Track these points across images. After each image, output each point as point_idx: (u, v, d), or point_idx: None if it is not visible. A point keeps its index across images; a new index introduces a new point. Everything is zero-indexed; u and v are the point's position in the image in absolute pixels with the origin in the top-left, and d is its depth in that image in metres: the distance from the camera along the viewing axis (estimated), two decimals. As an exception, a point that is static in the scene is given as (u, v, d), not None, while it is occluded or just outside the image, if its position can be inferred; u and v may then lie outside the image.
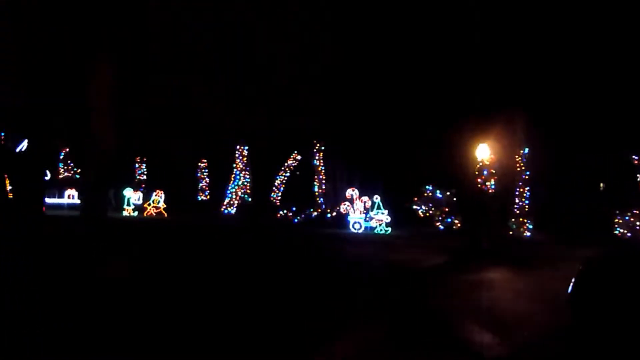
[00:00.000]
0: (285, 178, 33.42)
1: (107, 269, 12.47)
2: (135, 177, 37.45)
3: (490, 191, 20.19)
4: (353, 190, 27.17)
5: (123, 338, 7.62)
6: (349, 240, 22.40)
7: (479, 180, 20.18)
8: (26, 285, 10.63)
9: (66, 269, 12.71)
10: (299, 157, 33.01)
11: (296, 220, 31.21)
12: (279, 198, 33.28)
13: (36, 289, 10.33)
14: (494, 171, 20.60)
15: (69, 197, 28.67)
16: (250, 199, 35.11)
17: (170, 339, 7.61)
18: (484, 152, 20.24)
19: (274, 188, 33.24)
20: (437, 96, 25.94)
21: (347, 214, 27.10)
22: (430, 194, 28.31)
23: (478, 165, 20.26)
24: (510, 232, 25.42)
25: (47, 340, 7.31)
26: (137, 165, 37.65)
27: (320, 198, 32.17)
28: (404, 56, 28.87)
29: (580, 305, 7.62)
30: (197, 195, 35.09)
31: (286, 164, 33.17)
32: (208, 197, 34.97)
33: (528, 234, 25.29)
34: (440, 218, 27.83)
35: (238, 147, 33.07)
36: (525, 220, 25.45)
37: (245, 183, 34.79)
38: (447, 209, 27.73)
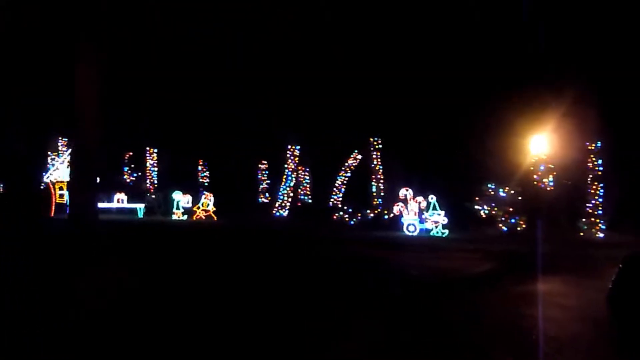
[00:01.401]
0: (346, 178, 32.09)
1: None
2: (198, 180, 37.20)
3: (548, 189, 17.98)
4: (407, 190, 25.45)
5: None
6: (397, 244, 20.79)
7: (535, 176, 18.04)
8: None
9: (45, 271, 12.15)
10: (359, 157, 31.59)
11: (352, 223, 29.81)
12: (340, 199, 32.03)
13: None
14: (552, 166, 18.37)
15: (118, 201, 28.26)
16: (310, 201, 34.09)
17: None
18: (539, 145, 18.04)
19: (334, 189, 31.96)
20: (493, 84, 23.83)
21: (401, 216, 25.43)
22: (492, 192, 26.19)
23: (534, 160, 18.12)
24: (581, 234, 23.00)
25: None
26: (200, 168, 37.47)
27: (378, 199, 30.70)
28: (454, 45, 26.99)
29: (619, 303, 7.59)
30: (257, 197, 34.06)
31: (346, 164, 31.80)
32: (269, 199, 33.97)
33: (601, 235, 22.79)
34: (503, 219, 25.65)
35: (289, 146, 31.85)
36: (598, 221, 22.94)
37: (306, 184, 33.70)
38: (511, 209, 25.51)
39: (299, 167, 33.80)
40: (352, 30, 31.26)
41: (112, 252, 15.81)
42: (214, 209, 28.64)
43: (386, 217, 28.80)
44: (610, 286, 7.69)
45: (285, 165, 31.99)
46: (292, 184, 31.70)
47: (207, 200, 28.61)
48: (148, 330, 8.19)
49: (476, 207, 26.74)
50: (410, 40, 29.42)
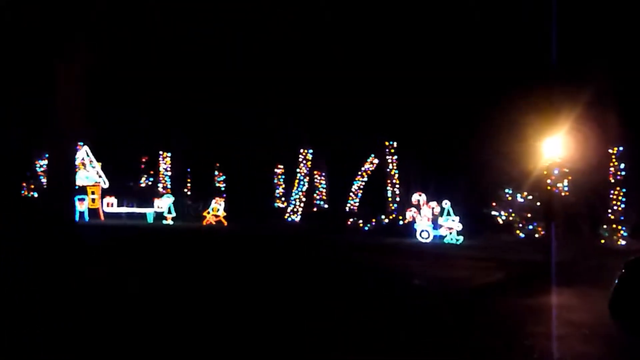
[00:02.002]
0: (363, 183, 31.39)
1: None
2: (214, 185, 36.78)
3: (563, 194, 17.08)
4: (420, 195, 24.72)
5: None
6: (406, 251, 20.09)
7: (548, 181, 17.13)
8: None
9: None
10: (376, 161, 30.87)
11: (366, 228, 29.14)
12: (357, 204, 31.35)
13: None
14: (566, 170, 17.46)
15: (127, 206, 27.89)
16: (326, 206, 33.45)
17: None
18: (553, 147, 17.12)
19: (351, 194, 31.28)
20: (509, 85, 22.96)
21: (414, 222, 24.67)
22: (509, 197, 25.30)
23: (547, 164, 17.21)
24: (602, 241, 22.00)
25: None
26: (216, 173, 37.07)
27: (393, 204, 29.98)
28: (469, 45, 26.27)
29: (620, 308, 7.35)
30: (273, 202, 33.38)
31: (363, 168, 31.09)
32: (285, 203, 33.30)
33: (623, 242, 21.76)
34: (520, 225, 24.74)
35: (302, 150, 31.19)
36: (620, 228, 21.91)
37: (322, 189, 33.11)
38: (529, 215, 24.60)
39: (315, 172, 33.30)
40: (368, 30, 30.78)
41: (92, 256, 15.35)
42: (225, 214, 28.12)
43: (401, 222, 28.07)
44: (611, 291, 7.42)
45: (298, 170, 31.31)
46: (304, 188, 31.01)
47: (217, 205, 28.12)
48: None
49: (493, 212, 25.88)
50: (426, 41, 28.75)
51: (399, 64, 29.58)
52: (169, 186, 34.83)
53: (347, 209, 31.11)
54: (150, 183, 35.35)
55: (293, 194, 31.15)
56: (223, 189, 37.33)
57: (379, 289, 12.28)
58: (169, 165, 34.84)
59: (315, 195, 32.63)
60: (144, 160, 36.41)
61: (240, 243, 22.00)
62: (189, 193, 33.78)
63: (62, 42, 15.39)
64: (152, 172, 35.41)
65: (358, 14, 30.71)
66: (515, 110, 22.04)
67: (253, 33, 32.65)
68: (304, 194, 31.12)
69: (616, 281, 7.36)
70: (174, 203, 28.51)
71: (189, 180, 35.83)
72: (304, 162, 31.20)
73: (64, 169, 16.01)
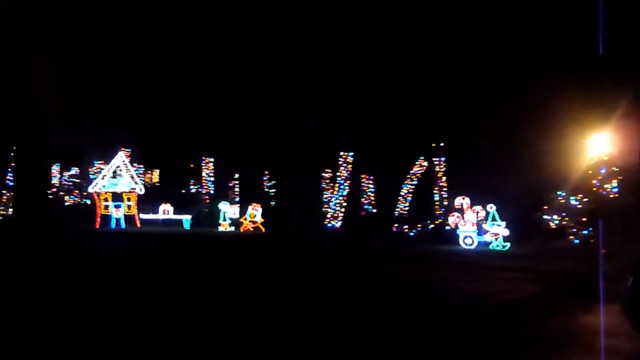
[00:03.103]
0: (412, 187, 30.08)
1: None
2: (263, 191, 36.27)
3: (611, 195, 15.32)
4: (463, 199, 23.22)
5: None
6: (441, 260, 18.73)
7: (594, 181, 15.42)
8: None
9: None
10: (425, 164, 29.49)
11: (412, 234, 27.81)
12: (407, 209, 30.06)
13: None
14: (616, 169, 15.66)
15: (164, 212, 27.38)
16: (375, 210, 32.32)
17: None
18: (600, 144, 15.35)
19: (400, 198, 30.01)
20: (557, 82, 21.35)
21: (457, 227, 23.20)
22: (562, 200, 23.42)
23: (593, 162, 15.50)
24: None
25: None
26: (265, 178, 36.52)
27: (441, 208, 28.55)
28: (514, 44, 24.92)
29: (633, 308, 7.28)
30: (321, 207, 32.31)
31: (412, 172, 29.76)
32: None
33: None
34: (574, 230, 22.80)
35: (342, 153, 30.03)
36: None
37: (370, 193, 32.02)
38: (584, 219, 22.64)
39: (362, 175, 32.23)
40: (412, 30, 29.78)
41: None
42: (262, 220, 27.27)
43: (448, 228, 26.58)
44: (626, 289, 7.30)
45: (338, 173, 30.19)
46: (344, 192, 29.82)
47: (254, 211, 27.29)
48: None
49: (544, 217, 24.08)
50: (469, 40, 27.91)
51: (446, 64, 28.65)
52: (211, 192, 34.51)
53: (396, 213, 29.90)
54: (195, 190, 35.16)
55: (333, 199, 29.99)
56: (272, 194, 36.82)
57: (391, 305, 11.04)
58: (212, 171, 34.48)
59: (362, 199, 31.67)
60: (191, 166, 36.33)
61: (264, 249, 21.16)
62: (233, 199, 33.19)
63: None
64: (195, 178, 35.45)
65: (400, 14, 29.95)
66: (565, 106, 20.42)
67: (293, 37, 32.34)
68: (345, 198, 29.87)
69: (630, 279, 7.19)
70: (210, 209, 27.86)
71: (233, 185, 35.43)
72: (345, 165, 29.99)
73: (39, 164, 15.61)
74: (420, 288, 13.11)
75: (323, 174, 31.67)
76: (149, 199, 28.56)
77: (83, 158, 36.23)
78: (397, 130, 31.02)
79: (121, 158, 26.66)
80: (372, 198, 31.87)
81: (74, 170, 39.57)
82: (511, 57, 26.08)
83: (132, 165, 40.80)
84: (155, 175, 48.11)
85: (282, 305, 10.53)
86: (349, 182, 30.06)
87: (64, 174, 41.13)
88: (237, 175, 35.39)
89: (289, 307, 10.46)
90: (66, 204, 37.27)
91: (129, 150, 38.88)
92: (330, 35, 32.61)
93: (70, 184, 38.28)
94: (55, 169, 41.15)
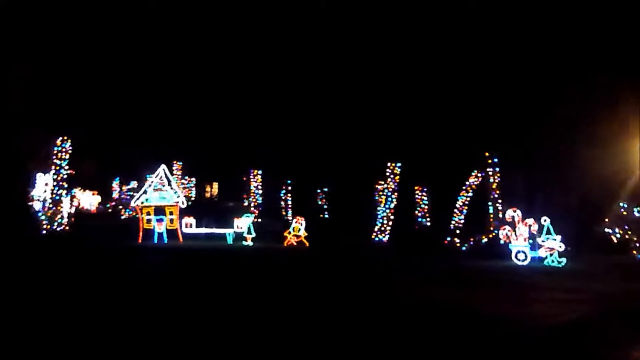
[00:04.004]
0: (468, 199, 28.61)
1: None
2: (318, 204, 35.77)
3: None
4: (514, 211, 21.74)
5: None
6: (487, 276, 17.46)
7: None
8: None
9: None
10: (481, 175, 28.00)
11: (464, 248, 26.37)
12: (462, 222, 28.60)
13: None
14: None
15: (186, 225, 26.94)
16: (429, 224, 31.03)
17: None
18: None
19: (455, 210, 28.59)
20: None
21: (509, 242, 21.72)
22: (625, 212, 21.60)
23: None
24: None
25: None
26: (319, 191, 36.07)
27: (495, 221, 26.94)
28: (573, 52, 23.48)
29: None
30: (375, 221, 31.14)
31: (467, 183, 28.31)
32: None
33: None
34: (638, 245, 20.97)
35: (389, 164, 28.85)
36: None
37: (424, 205, 30.84)
38: (648, 233, 20.84)
39: (416, 187, 31.05)
40: (469, 38, 28.95)
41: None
42: (306, 234, 26.48)
43: (503, 242, 25.06)
44: None
45: (385, 185, 29.04)
46: (392, 205, 28.63)
47: (299, 225, 26.53)
48: None
49: (605, 230, 22.26)
50: (529, 49, 27.25)
51: (502, 72, 28.02)
52: (259, 204, 34.14)
53: (451, 226, 28.49)
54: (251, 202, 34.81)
55: (380, 212, 28.86)
56: (325, 207, 36.16)
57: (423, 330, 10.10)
58: (260, 184, 34.12)
59: (416, 212, 30.60)
60: (244, 179, 36.07)
61: (303, 265, 20.33)
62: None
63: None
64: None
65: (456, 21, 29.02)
66: (628, 113, 18.87)
67: (342, 47, 31.90)
68: (392, 211, 28.68)
69: None
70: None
71: (285, 198, 35.01)
72: (392, 176, 28.82)
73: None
74: (452, 309, 12.11)
75: (377, 186, 30.47)
76: (204, 213, 28.42)
77: (139, 172, 36.70)
78: (451, 139, 29.93)
79: (164, 171, 26.44)
80: (426, 210, 30.80)
81: (133, 184, 40.29)
82: (568, 63, 24.77)
83: (183, 178, 41.22)
84: (215, 188, 48.58)
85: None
86: (396, 194, 28.73)
87: (122, 188, 42.00)
88: (288, 188, 35.10)
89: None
90: (122, 217, 37.86)
91: (180, 163, 39.32)
92: (382, 43, 32.00)
93: (128, 197, 38.89)
94: (115, 182, 42.11)
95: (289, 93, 34.65)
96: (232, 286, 14.69)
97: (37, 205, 28.14)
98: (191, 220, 26.59)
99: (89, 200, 40.77)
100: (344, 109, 33.17)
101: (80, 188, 38.34)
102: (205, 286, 14.55)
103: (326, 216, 35.82)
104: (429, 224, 31.37)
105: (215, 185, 49.03)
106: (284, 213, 34.09)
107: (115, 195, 41.83)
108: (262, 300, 12.47)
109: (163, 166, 26.42)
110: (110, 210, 41.26)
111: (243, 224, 26.51)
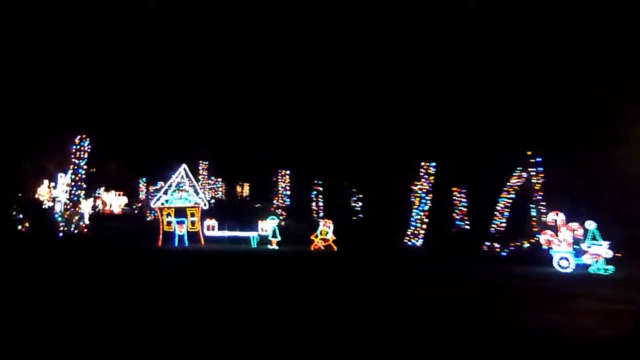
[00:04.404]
0: (510, 201, 26.88)
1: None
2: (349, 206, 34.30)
3: None
4: (557, 215, 20.01)
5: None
6: (526, 284, 16.01)
7: None
8: None
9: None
10: (524, 175, 26.28)
11: (504, 254, 24.67)
12: (504, 225, 26.89)
13: None
14: None
15: (208, 228, 25.82)
16: (468, 227, 29.35)
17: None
18: None
19: (496, 213, 26.90)
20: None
21: (551, 247, 20.05)
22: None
23: None
24: None
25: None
26: (355, 199, 34.36)
27: (538, 224, 25.17)
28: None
29: None
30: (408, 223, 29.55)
31: (509, 184, 26.60)
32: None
33: None
34: (696, 251, 19.07)
35: (423, 163, 27.26)
36: None
37: (462, 207, 29.18)
38: None
39: (454, 188, 29.47)
40: (510, 36, 27.94)
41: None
42: (334, 237, 25.12)
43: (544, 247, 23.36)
44: None
45: (419, 185, 27.43)
46: (426, 207, 27.04)
47: (326, 228, 25.18)
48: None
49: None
50: (573, 47, 26.01)
51: (547, 68, 26.88)
52: (287, 205, 32.93)
53: (491, 230, 26.82)
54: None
55: (414, 214, 27.28)
56: (359, 209, 34.62)
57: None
58: (288, 184, 32.91)
59: (424, 214, 28.97)
60: (273, 179, 34.95)
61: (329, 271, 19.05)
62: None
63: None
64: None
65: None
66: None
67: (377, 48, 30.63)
68: (427, 213, 27.07)
69: None
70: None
71: (316, 200, 33.60)
72: (426, 177, 27.23)
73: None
74: (489, 321, 11.01)
75: (412, 187, 28.79)
76: (226, 215, 27.33)
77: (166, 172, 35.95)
78: (491, 138, 28.28)
79: (185, 171, 25.40)
80: (464, 213, 29.25)
81: (160, 185, 39.52)
82: (616, 61, 23.73)
83: (209, 178, 40.31)
84: (246, 189, 47.31)
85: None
86: (431, 195, 27.12)
87: (149, 189, 41.25)
88: (319, 189, 33.60)
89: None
90: (148, 219, 37.06)
91: (207, 162, 38.39)
92: (418, 44, 30.73)
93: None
94: (142, 183, 41.43)
95: (321, 92, 33.47)
96: (251, 294, 13.84)
97: (57, 207, 27.46)
98: (213, 222, 25.48)
99: (114, 201, 39.99)
100: (376, 106, 31.75)
101: (104, 188, 37.71)
102: (220, 293, 13.77)
103: (359, 217, 34.38)
104: (467, 227, 29.84)
105: (247, 186, 47.72)
106: (315, 216, 32.56)
107: (142, 196, 41.10)
108: (282, 311, 11.69)
109: (184, 166, 25.39)
110: (136, 211, 40.54)
111: (268, 226, 25.29)
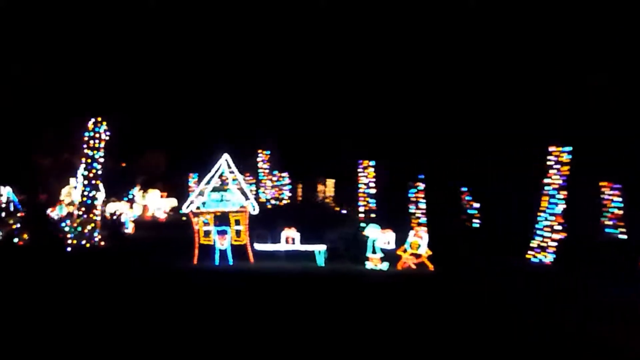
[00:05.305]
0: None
1: None
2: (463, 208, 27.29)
3: None
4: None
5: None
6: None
7: None
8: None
9: None
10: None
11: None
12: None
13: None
14: None
15: (287, 241, 19.06)
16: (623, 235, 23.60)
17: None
18: None
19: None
20: None
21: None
22: None
23: None
24: None
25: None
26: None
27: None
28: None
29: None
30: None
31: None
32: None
33: None
34: None
35: (552, 149, 19.69)
36: None
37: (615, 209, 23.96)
38: None
39: (604, 184, 24.45)
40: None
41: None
42: (429, 252, 18.07)
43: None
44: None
45: (549, 180, 19.89)
46: (559, 209, 19.48)
47: (418, 240, 18.16)
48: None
49: None
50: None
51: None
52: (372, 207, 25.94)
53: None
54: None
55: (540, 220, 19.82)
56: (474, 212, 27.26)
57: None
58: (373, 180, 25.91)
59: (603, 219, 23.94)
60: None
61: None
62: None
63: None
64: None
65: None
66: None
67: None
68: (560, 218, 19.46)
69: None
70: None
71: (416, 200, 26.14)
72: (557, 167, 19.69)
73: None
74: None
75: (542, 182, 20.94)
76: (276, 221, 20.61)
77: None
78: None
79: (227, 163, 18.96)
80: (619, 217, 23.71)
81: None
82: None
83: (272, 172, 33.92)
84: (330, 187, 39.84)
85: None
86: (565, 193, 19.47)
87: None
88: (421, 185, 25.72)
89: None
90: (196, 227, 30.77)
91: (268, 152, 32.31)
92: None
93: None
94: (193, 181, 35.50)
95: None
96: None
97: (62, 212, 21.79)
98: (293, 232, 18.75)
99: (158, 204, 32.96)
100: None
101: (139, 189, 31.39)
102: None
103: (475, 225, 27.14)
104: (623, 235, 23.51)
105: (330, 182, 39.52)
106: (415, 222, 24.85)
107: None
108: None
109: (226, 156, 18.92)
110: (184, 218, 34.30)
111: (383, 237, 18.27)
